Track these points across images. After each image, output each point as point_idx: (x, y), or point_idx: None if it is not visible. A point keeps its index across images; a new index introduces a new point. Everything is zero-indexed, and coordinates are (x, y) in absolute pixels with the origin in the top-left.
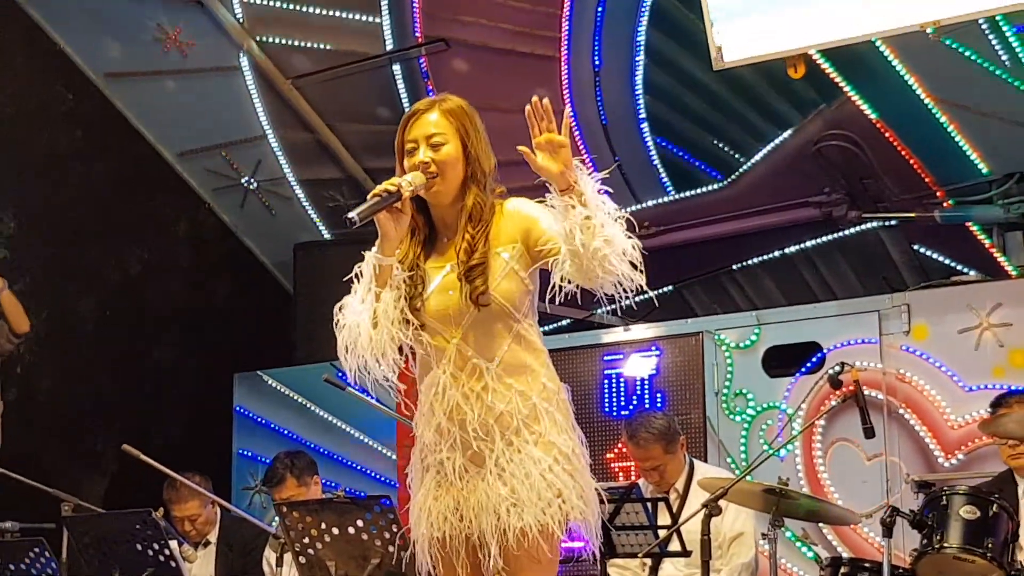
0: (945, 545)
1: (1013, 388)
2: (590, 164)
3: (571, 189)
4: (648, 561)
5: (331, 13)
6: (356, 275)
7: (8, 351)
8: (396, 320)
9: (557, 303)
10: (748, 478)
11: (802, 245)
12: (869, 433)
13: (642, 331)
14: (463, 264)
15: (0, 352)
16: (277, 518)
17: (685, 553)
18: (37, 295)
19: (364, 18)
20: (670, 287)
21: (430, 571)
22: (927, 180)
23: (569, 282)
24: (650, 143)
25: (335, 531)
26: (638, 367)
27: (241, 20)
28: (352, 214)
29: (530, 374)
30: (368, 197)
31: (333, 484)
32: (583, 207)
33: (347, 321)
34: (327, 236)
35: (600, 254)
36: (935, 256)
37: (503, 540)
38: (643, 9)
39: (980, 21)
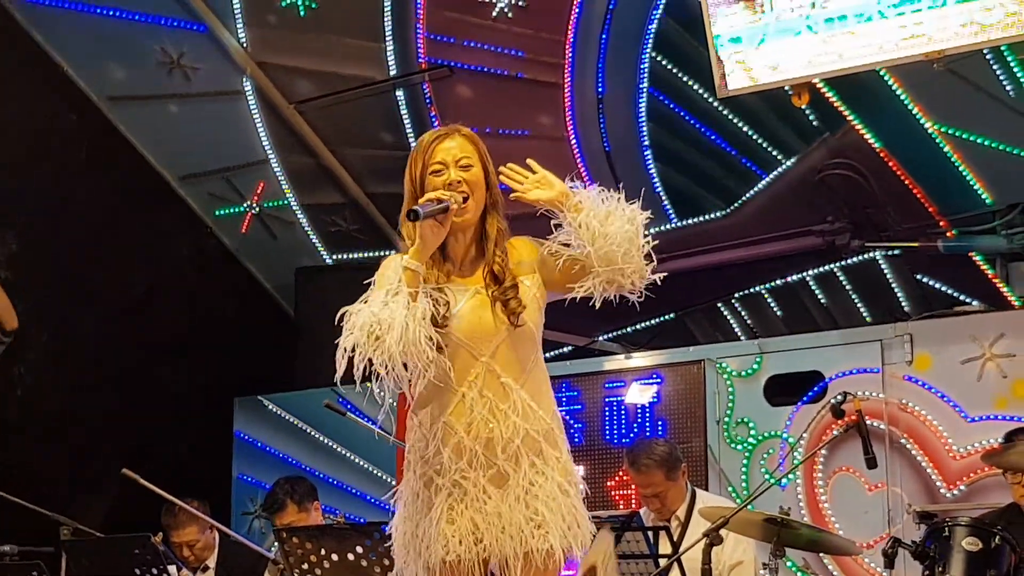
0: None
1: (1022, 420)
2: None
3: (576, 205)
4: None
5: (335, 38)
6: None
7: None
8: (426, 329)
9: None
10: (749, 507)
11: (805, 274)
12: (871, 463)
13: (643, 359)
14: (496, 287)
15: None
16: (276, 543)
17: None
18: (39, 316)
19: (368, 43)
20: (672, 315)
21: None
22: (931, 209)
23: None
24: (653, 170)
25: (334, 557)
26: (639, 395)
27: (245, 44)
28: (417, 207)
29: (547, 398)
30: (429, 198)
31: (333, 510)
32: (596, 207)
33: (371, 315)
34: (329, 261)
35: (627, 238)
36: (938, 286)
37: (526, 563)
38: (647, 36)
39: (985, 51)
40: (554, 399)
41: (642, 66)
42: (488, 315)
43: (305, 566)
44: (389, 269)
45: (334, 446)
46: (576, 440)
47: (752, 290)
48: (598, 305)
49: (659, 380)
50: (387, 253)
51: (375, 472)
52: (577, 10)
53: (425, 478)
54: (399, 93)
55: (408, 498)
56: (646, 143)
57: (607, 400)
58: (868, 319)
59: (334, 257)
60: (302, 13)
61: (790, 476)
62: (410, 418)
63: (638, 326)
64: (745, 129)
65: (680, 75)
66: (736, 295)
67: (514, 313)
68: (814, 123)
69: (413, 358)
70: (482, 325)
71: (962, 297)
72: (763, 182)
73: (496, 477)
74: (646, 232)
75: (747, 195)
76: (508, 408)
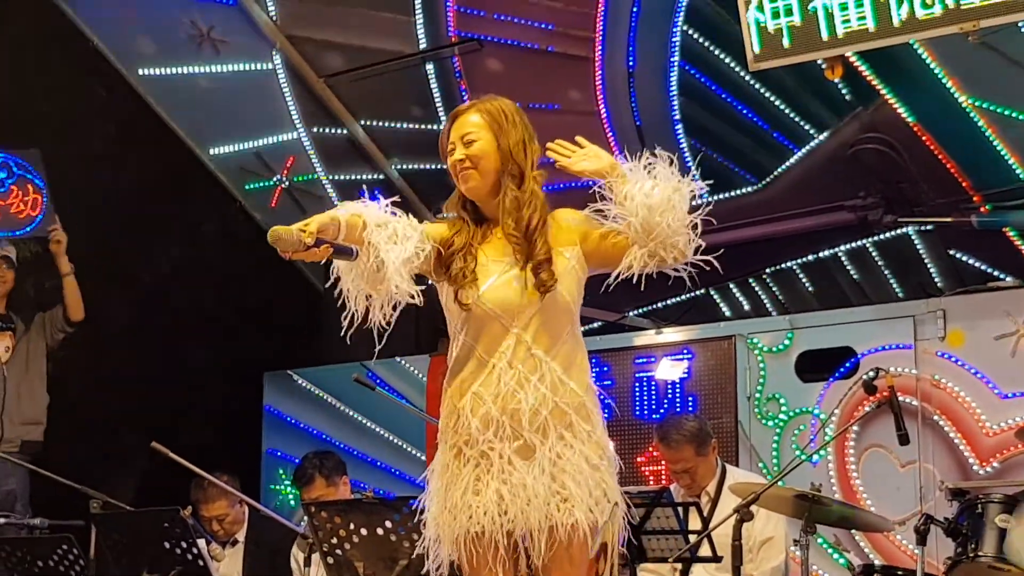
0: (980, 554)
1: None
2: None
3: (622, 177)
4: (679, 566)
5: (364, 11)
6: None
7: (59, 341)
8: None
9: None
10: (780, 483)
11: (837, 249)
12: (903, 440)
13: (674, 334)
14: (529, 258)
15: (52, 342)
16: (305, 517)
17: (716, 558)
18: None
19: (398, 16)
20: (703, 290)
21: (455, 566)
22: (964, 184)
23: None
24: (684, 144)
25: (363, 532)
26: (670, 370)
27: (275, 17)
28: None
29: (580, 371)
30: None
31: (362, 484)
32: (642, 178)
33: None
34: None
35: (672, 206)
36: (971, 261)
37: (550, 536)
38: (678, 9)
39: (1020, 24)
40: (589, 373)
41: (673, 40)
42: (521, 287)
43: (334, 540)
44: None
45: (363, 421)
46: (606, 416)
47: (784, 265)
48: (636, 281)
49: (690, 356)
50: None
51: (404, 447)
52: None
53: (455, 449)
54: (429, 67)
55: (439, 470)
56: (677, 117)
57: (637, 376)
58: (901, 295)
59: None
60: None
61: (821, 452)
62: (444, 390)
63: (668, 301)
64: (777, 103)
65: (712, 48)
66: (767, 270)
67: (544, 285)
68: (847, 97)
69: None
70: (513, 296)
71: (995, 272)
72: (795, 157)
73: (522, 449)
74: (699, 202)
75: (779, 170)
76: (537, 379)
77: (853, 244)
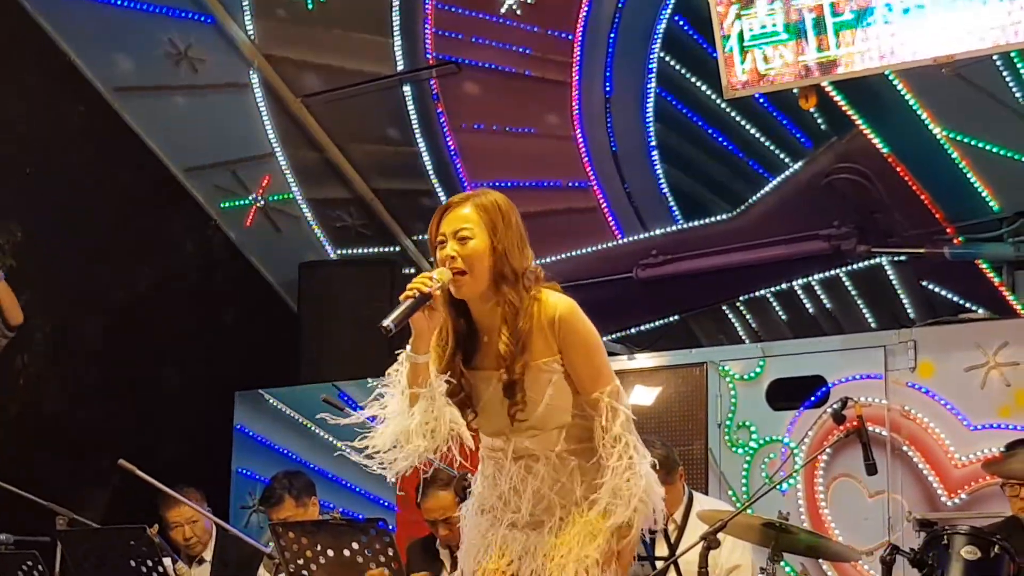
0: None
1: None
2: (599, 191)
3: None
4: None
5: (342, 32)
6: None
7: (1, 345)
8: (438, 433)
9: None
10: (748, 511)
11: (810, 278)
12: (872, 469)
13: (647, 360)
14: (505, 379)
15: None
16: (272, 538)
17: None
18: (43, 307)
19: (376, 38)
20: (676, 316)
21: None
22: (937, 216)
23: None
24: (660, 171)
25: (330, 553)
26: (641, 396)
27: (252, 37)
28: (386, 322)
29: (590, 443)
30: (400, 299)
31: (330, 505)
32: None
33: (388, 427)
34: (333, 256)
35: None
36: (944, 293)
37: None
38: (656, 36)
39: (994, 57)
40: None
41: (650, 66)
42: (501, 408)
43: (301, 561)
44: (401, 361)
45: (334, 441)
46: None
47: (757, 293)
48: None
49: (662, 382)
50: (392, 250)
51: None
52: (586, 8)
53: (478, 505)
54: (406, 89)
55: (467, 519)
56: (653, 144)
57: None
58: (873, 325)
59: (338, 252)
60: (310, 6)
61: (790, 481)
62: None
63: (642, 327)
64: (753, 131)
65: (688, 76)
66: (741, 298)
67: (516, 408)
68: (822, 127)
69: (415, 461)
70: (499, 424)
71: (968, 304)
72: (770, 185)
73: (533, 522)
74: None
75: (754, 198)
76: (540, 466)
77: (826, 273)
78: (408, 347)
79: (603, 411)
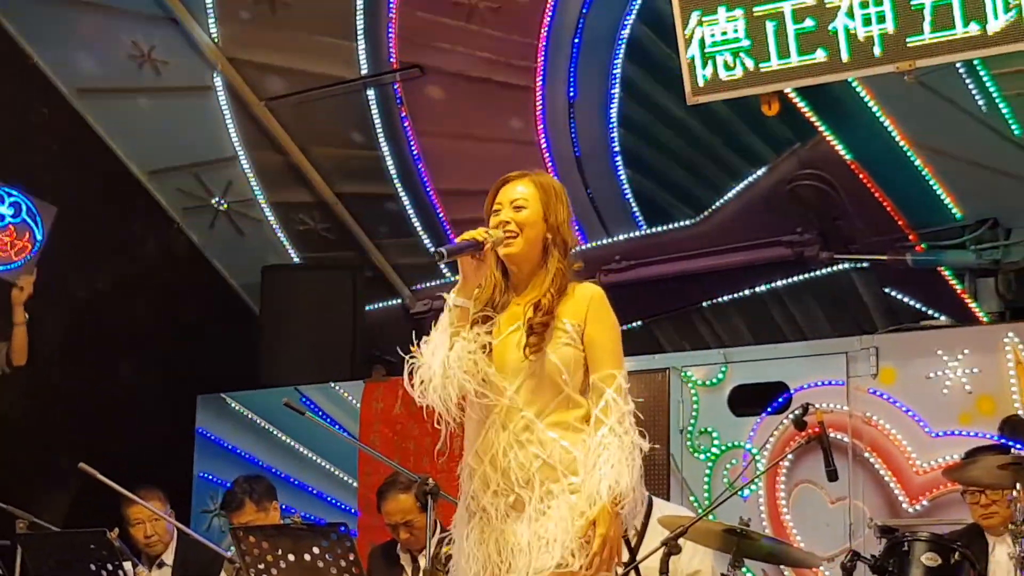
0: None
1: (986, 436)
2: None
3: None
4: None
5: (306, 35)
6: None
7: None
8: (465, 366)
9: None
10: (710, 517)
11: (773, 284)
12: (833, 476)
13: None
14: (527, 319)
15: None
16: (233, 542)
17: None
18: (1, 308)
19: (340, 42)
20: (639, 322)
21: None
22: (900, 223)
23: None
24: (623, 176)
25: (291, 557)
26: None
27: (216, 40)
28: (441, 248)
29: (576, 432)
30: (456, 240)
31: (291, 510)
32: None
33: (423, 360)
34: (296, 259)
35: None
36: (906, 299)
37: None
38: (620, 42)
39: (957, 65)
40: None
41: (614, 72)
42: (515, 349)
43: (261, 566)
44: (446, 304)
45: (296, 446)
46: None
47: (720, 299)
48: None
49: None
50: (355, 254)
51: (336, 473)
52: (550, 14)
53: (465, 504)
54: (370, 92)
55: (456, 521)
56: (616, 149)
57: None
58: (835, 331)
59: (301, 256)
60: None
61: (752, 487)
62: None
63: None
64: (715, 138)
65: (651, 81)
66: (703, 304)
67: (529, 347)
68: (785, 133)
69: (445, 404)
70: (507, 359)
71: (930, 311)
72: (733, 191)
73: (516, 503)
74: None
75: (716, 204)
76: (526, 439)
77: (789, 280)
78: (453, 293)
79: (602, 401)
